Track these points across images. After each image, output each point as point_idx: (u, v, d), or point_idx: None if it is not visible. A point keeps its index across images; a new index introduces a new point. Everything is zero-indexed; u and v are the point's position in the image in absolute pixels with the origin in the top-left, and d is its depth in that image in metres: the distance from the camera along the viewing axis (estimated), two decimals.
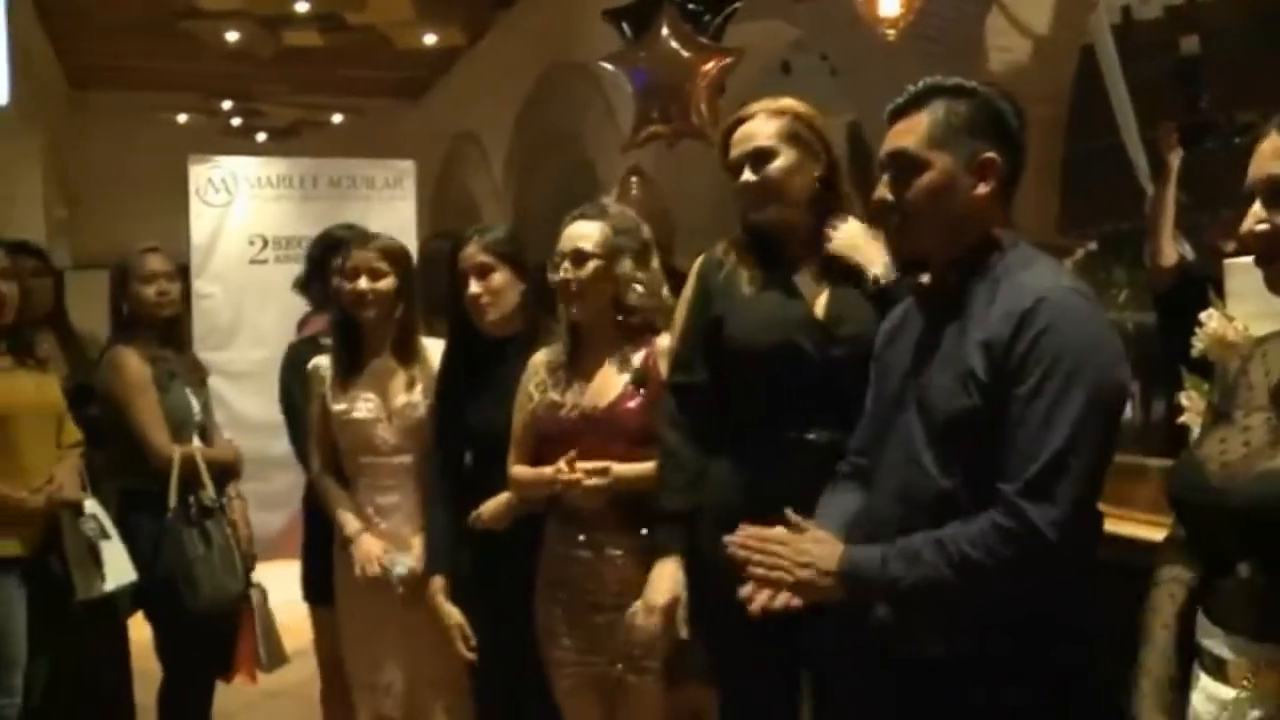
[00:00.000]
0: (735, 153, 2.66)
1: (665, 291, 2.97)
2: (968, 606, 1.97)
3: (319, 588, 3.77)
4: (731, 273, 2.67)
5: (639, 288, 2.89)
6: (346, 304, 3.43)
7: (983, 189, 2.04)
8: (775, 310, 2.60)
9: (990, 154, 2.04)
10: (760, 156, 2.61)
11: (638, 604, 2.67)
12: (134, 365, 3.91)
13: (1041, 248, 2.14)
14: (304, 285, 4.29)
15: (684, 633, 2.65)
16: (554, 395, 2.94)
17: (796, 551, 2.05)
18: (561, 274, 2.90)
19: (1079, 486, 1.88)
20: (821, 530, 2.13)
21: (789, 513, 2.14)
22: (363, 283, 3.39)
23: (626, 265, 2.89)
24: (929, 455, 2.01)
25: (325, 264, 3.99)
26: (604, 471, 2.81)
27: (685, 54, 5.65)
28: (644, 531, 2.76)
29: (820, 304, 2.59)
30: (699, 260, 2.78)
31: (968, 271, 2.05)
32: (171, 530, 3.79)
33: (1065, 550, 1.88)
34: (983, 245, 2.05)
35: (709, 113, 5.67)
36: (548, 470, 2.87)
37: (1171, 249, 4.89)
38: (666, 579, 2.65)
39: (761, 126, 2.64)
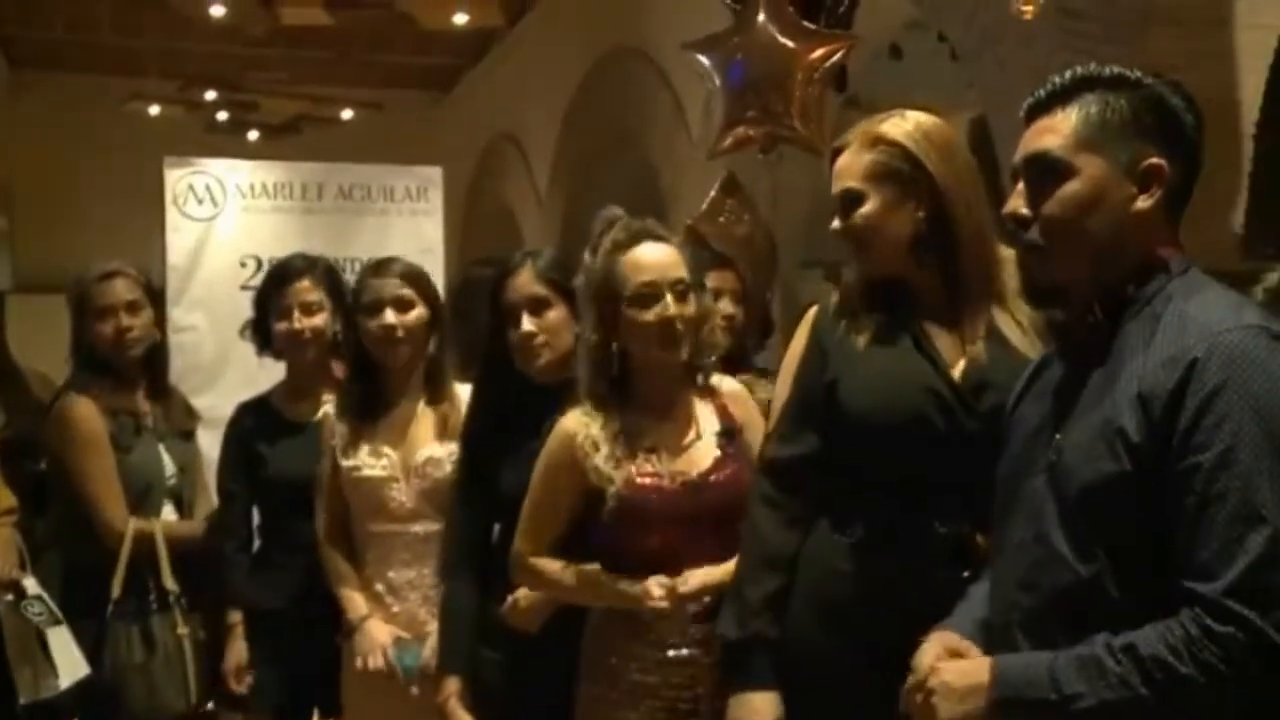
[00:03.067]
0: (833, 190, 2.67)
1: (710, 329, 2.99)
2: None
3: (276, 697, 3.76)
4: (848, 325, 2.65)
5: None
6: (370, 343, 3.50)
7: (1144, 202, 2.02)
8: (897, 371, 2.57)
9: (1156, 159, 2.02)
10: (847, 201, 2.62)
11: None
12: (85, 418, 3.86)
13: (1217, 276, 2.11)
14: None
15: None
16: (644, 463, 2.89)
17: (941, 688, 2.04)
18: (673, 311, 2.84)
19: None
20: (956, 639, 2.14)
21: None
22: (389, 316, 3.47)
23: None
24: (1061, 533, 1.99)
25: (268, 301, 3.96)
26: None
27: (786, 41, 5.62)
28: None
29: (959, 365, 2.56)
30: (812, 311, 2.78)
31: (1119, 304, 2.03)
32: (111, 626, 3.75)
33: None
34: (1141, 271, 2.03)
35: (816, 114, 5.61)
36: (629, 589, 2.85)
37: None
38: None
39: (850, 162, 2.64)
